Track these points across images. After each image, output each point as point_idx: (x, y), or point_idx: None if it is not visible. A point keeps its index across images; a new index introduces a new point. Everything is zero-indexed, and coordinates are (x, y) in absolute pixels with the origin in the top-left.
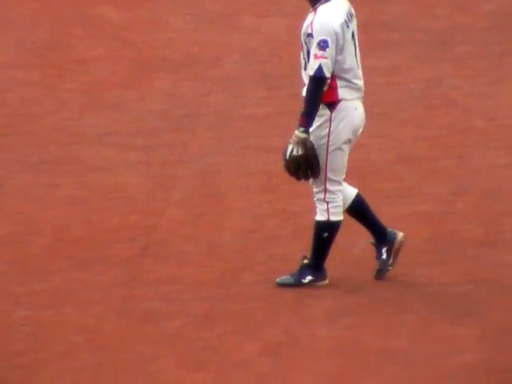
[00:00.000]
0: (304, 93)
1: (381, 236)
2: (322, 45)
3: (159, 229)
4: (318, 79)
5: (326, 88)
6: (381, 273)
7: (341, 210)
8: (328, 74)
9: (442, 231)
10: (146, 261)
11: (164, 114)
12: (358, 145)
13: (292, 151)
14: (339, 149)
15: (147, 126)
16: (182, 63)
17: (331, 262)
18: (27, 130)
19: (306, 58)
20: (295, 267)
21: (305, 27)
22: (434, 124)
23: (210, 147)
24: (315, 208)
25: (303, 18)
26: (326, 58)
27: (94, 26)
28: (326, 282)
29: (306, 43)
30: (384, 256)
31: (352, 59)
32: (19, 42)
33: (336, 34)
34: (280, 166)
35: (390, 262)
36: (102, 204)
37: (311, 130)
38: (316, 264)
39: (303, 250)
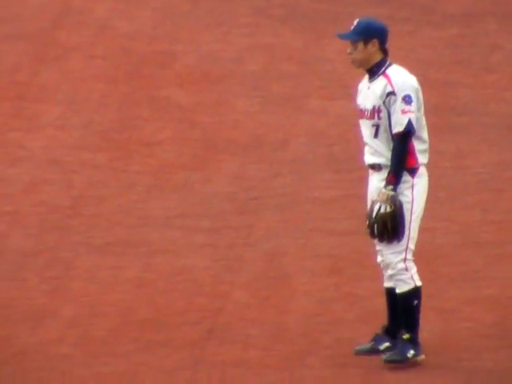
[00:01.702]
0: (370, 160)
1: (395, 333)
2: (407, 100)
3: (225, 312)
4: (407, 134)
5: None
6: (364, 352)
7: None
8: (415, 129)
9: (509, 315)
10: (212, 343)
11: (230, 197)
12: (424, 229)
13: (379, 209)
14: (418, 217)
15: (214, 208)
16: (248, 145)
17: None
18: (93, 213)
19: (387, 121)
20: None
21: (380, 90)
22: (502, 208)
23: (276, 230)
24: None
25: None
26: (412, 112)
27: (161, 109)
28: (423, 356)
29: (385, 105)
30: (382, 348)
31: (423, 116)
32: (87, 124)
33: (416, 89)
34: (345, 248)
35: (380, 354)
36: (168, 286)
37: (383, 190)
38: (415, 337)
39: (370, 333)
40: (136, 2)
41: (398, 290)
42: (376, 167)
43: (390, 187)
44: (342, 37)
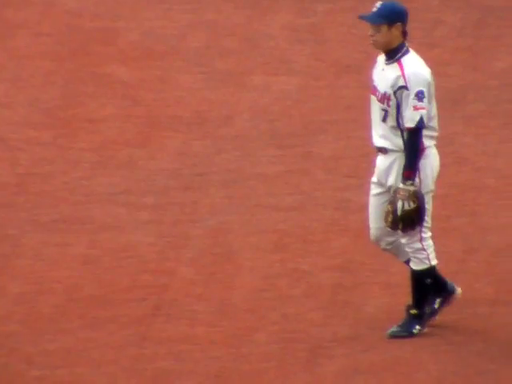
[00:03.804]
0: (378, 143)
1: (440, 287)
2: (420, 96)
3: (170, 288)
4: (419, 130)
5: None
6: (424, 319)
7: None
8: (425, 124)
9: None
10: (158, 320)
11: (175, 173)
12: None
13: (403, 206)
14: (428, 196)
15: (158, 184)
16: (192, 122)
17: (344, 321)
18: (39, 190)
19: (395, 110)
20: (307, 326)
21: (392, 79)
22: (446, 182)
23: (220, 206)
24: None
25: (314, 77)
26: (424, 108)
27: (104, 85)
28: (426, 329)
29: (395, 96)
30: (436, 306)
31: (435, 106)
32: (31, 101)
33: (429, 83)
34: (290, 224)
35: (437, 313)
36: (114, 263)
37: (401, 186)
38: (423, 312)
39: (316, 309)
40: None
41: (413, 266)
42: (383, 150)
43: (410, 182)
44: (367, 18)
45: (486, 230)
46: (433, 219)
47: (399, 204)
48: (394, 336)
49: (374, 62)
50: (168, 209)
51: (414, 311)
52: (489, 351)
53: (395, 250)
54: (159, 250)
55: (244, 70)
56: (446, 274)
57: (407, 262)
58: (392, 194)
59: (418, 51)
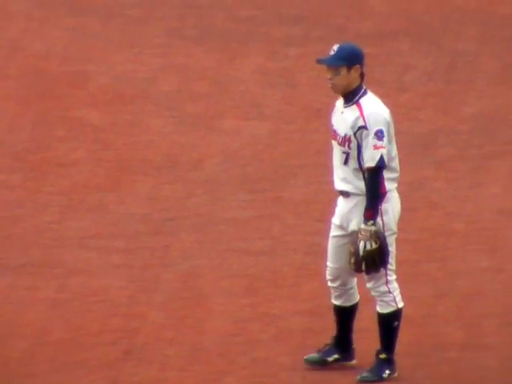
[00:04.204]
0: (339, 187)
1: (344, 347)
2: (380, 135)
3: (141, 332)
4: (380, 169)
5: None
6: (313, 362)
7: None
8: (387, 163)
9: (424, 334)
10: (129, 364)
11: (145, 217)
12: None
13: (365, 246)
14: (392, 238)
15: (129, 228)
16: (162, 166)
17: (314, 365)
18: (7, 233)
19: (356, 151)
20: (277, 371)
21: (352, 121)
22: (416, 227)
23: (191, 250)
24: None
25: (285, 122)
26: (384, 147)
27: (74, 129)
28: (396, 374)
29: (355, 137)
30: (331, 359)
31: (395, 146)
32: None
33: (388, 123)
34: (260, 269)
35: (328, 365)
36: (83, 307)
37: (363, 226)
38: (392, 356)
39: (286, 353)
40: (48, 22)
41: (379, 310)
42: (344, 194)
43: (371, 222)
44: (326, 62)
45: (456, 274)
46: (402, 263)
47: (361, 244)
48: (364, 381)
49: (332, 107)
50: (139, 253)
51: (383, 356)
52: None
53: (345, 293)
54: (130, 293)
55: (215, 114)
56: (415, 318)
57: (350, 308)
58: (354, 236)
59: (388, 95)
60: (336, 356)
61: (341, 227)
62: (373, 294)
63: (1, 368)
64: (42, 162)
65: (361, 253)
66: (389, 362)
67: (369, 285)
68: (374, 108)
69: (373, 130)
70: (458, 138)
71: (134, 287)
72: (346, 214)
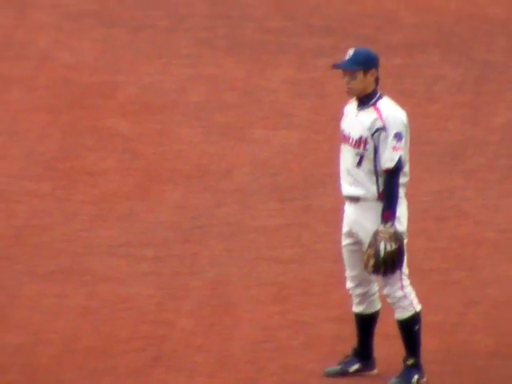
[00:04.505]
0: (349, 192)
1: (364, 355)
2: (398, 137)
3: (170, 339)
4: (398, 170)
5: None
6: (334, 373)
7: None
8: (403, 165)
9: (453, 342)
10: (157, 371)
11: (174, 226)
12: None
13: (385, 247)
14: (404, 245)
15: (158, 237)
16: (192, 175)
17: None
18: (37, 242)
19: (372, 153)
20: (307, 377)
21: (369, 122)
22: (445, 235)
23: (220, 258)
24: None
25: (314, 131)
26: (402, 149)
27: (103, 139)
28: (425, 379)
29: (372, 138)
30: (351, 370)
31: (408, 151)
32: (29, 154)
33: (405, 126)
34: (290, 277)
35: (347, 373)
36: (113, 315)
37: (382, 228)
38: (419, 360)
39: (315, 360)
40: (77, 33)
41: (398, 317)
42: (354, 199)
43: (389, 224)
44: (342, 66)
45: (486, 283)
46: (432, 272)
47: (381, 245)
48: None
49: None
50: (167, 261)
51: (410, 361)
52: None
53: (366, 300)
54: (158, 301)
55: (244, 124)
56: (445, 326)
57: (371, 315)
58: (372, 238)
59: (418, 106)
60: (357, 367)
61: (350, 234)
62: (389, 301)
63: (29, 375)
64: (72, 171)
65: (381, 254)
66: (417, 367)
67: (384, 291)
68: (392, 110)
69: (392, 131)
70: (487, 148)
71: (163, 295)
72: (355, 220)
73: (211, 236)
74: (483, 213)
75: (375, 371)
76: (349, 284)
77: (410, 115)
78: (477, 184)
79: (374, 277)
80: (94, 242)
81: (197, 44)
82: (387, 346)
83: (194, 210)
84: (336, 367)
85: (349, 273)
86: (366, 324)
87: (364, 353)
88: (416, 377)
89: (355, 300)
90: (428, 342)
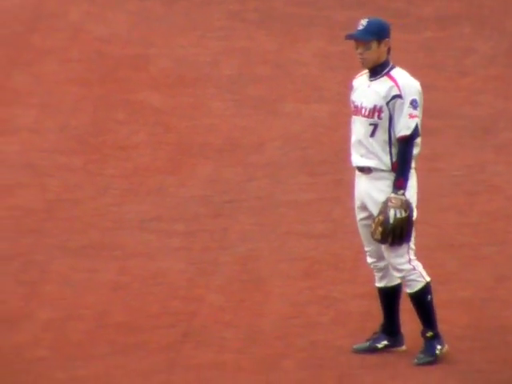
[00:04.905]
0: (360, 163)
1: (392, 331)
2: (415, 104)
3: (200, 315)
4: (413, 138)
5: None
6: (363, 350)
7: None
8: (419, 134)
9: (483, 318)
10: (187, 346)
11: (205, 200)
12: None
13: (395, 215)
14: (413, 217)
15: (188, 211)
16: (223, 149)
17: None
18: (68, 216)
19: (387, 122)
20: (336, 354)
21: (385, 91)
22: (476, 210)
23: (251, 233)
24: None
25: (345, 105)
26: (418, 116)
27: (135, 112)
28: (447, 347)
29: (388, 106)
30: (380, 346)
31: (420, 123)
32: (61, 128)
33: (420, 94)
34: (320, 251)
35: (376, 349)
36: (143, 290)
37: (393, 195)
38: (437, 331)
39: (345, 336)
40: (110, 5)
41: (409, 291)
42: (366, 170)
43: (401, 192)
44: (356, 36)
45: None
46: (463, 247)
47: (391, 212)
48: (421, 363)
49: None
50: (198, 236)
51: (429, 334)
52: None
53: (388, 273)
54: (189, 277)
55: (276, 97)
56: (474, 301)
57: (394, 288)
58: (382, 205)
59: (449, 79)
60: (385, 342)
61: (363, 208)
62: (398, 275)
63: (61, 350)
64: (104, 145)
65: (391, 221)
66: (437, 338)
67: (393, 262)
68: (407, 79)
69: (408, 99)
70: None
71: (193, 270)
72: (366, 191)
73: (242, 211)
74: None
75: (403, 347)
76: (369, 259)
77: (441, 89)
78: (508, 158)
79: (382, 247)
80: (124, 216)
81: (229, 17)
82: (414, 322)
83: (225, 184)
84: (364, 344)
85: (367, 247)
86: (391, 298)
87: (391, 329)
88: (439, 347)
89: (377, 275)
90: (458, 318)
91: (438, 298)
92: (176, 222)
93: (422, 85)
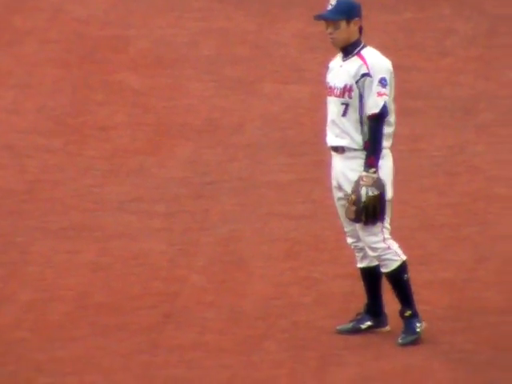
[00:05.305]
0: (334, 142)
1: (376, 312)
2: (383, 82)
3: (181, 295)
4: (382, 116)
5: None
6: (346, 331)
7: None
8: (389, 112)
9: (464, 298)
10: (169, 327)
11: (186, 181)
12: None
13: (367, 193)
14: (386, 196)
15: (169, 192)
16: (203, 130)
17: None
18: (48, 197)
19: (357, 101)
20: (318, 334)
21: (354, 70)
22: (457, 191)
23: (232, 214)
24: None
25: (324, 86)
26: (387, 95)
27: (114, 93)
28: (425, 324)
29: (357, 85)
30: (364, 327)
31: (393, 100)
32: (40, 108)
33: (391, 72)
34: (301, 232)
35: (360, 330)
36: (124, 271)
37: (365, 173)
38: (415, 309)
39: (327, 317)
40: None
41: (385, 270)
42: (339, 149)
43: (373, 170)
44: (325, 17)
45: (497, 239)
46: (443, 227)
47: (363, 191)
48: (405, 344)
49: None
50: (179, 217)
51: (407, 313)
52: (499, 360)
53: (367, 253)
54: (170, 257)
55: (255, 78)
56: (455, 282)
57: (376, 267)
58: (354, 184)
59: (429, 60)
60: (369, 323)
61: (339, 188)
62: (373, 254)
63: (42, 331)
64: (83, 126)
65: (363, 199)
66: (415, 316)
67: (367, 241)
68: (377, 58)
69: (377, 77)
70: (499, 103)
71: (175, 251)
72: (340, 170)
73: (223, 191)
74: (495, 168)
75: (387, 328)
76: (349, 239)
77: (421, 70)
78: (488, 139)
79: (357, 226)
80: (105, 197)
81: None
82: (397, 303)
83: (205, 165)
84: (348, 324)
85: (346, 228)
86: (373, 279)
87: (375, 309)
88: (418, 325)
89: (358, 255)
90: (439, 299)
91: (419, 279)
92: (157, 203)
93: (402, 66)
